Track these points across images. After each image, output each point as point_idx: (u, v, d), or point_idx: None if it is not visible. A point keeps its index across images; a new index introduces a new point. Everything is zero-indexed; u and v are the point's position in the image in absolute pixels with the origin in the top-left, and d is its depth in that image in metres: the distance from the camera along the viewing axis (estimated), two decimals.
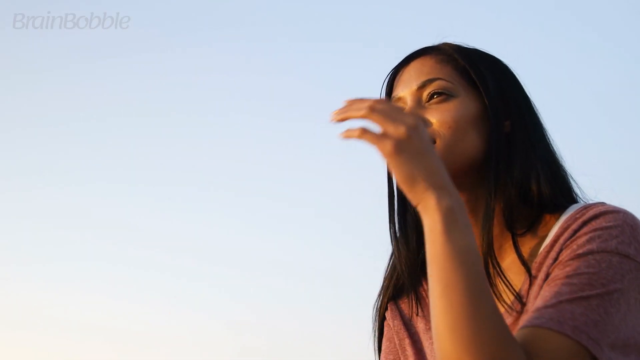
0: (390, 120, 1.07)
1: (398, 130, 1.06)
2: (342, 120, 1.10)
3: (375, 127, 1.08)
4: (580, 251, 1.17)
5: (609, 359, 1.10)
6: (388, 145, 1.06)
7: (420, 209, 1.07)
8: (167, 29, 4.65)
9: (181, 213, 4.89)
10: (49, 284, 4.83)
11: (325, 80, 4.74)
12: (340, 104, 1.12)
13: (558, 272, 1.17)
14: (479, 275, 1.06)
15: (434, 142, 1.28)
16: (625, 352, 1.13)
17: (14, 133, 4.74)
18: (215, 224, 4.90)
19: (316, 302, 4.61)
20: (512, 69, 1.39)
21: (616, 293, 1.13)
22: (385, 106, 1.08)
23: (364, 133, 1.07)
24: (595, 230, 1.18)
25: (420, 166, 1.06)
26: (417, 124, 1.07)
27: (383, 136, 1.06)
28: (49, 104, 4.68)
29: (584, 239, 1.18)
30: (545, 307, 1.11)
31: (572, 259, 1.17)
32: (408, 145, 1.06)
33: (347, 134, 1.09)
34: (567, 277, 1.15)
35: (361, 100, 1.10)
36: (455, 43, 1.40)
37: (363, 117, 1.08)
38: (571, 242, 1.19)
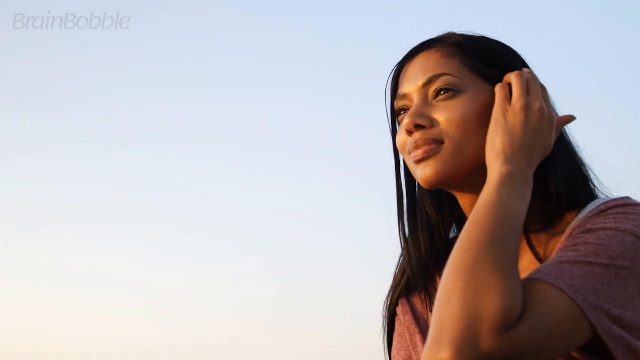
0: (521, 92, 1.23)
1: (516, 104, 1.22)
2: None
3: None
4: (591, 226, 1.13)
5: (609, 330, 1.04)
6: (500, 107, 1.22)
7: (488, 169, 1.18)
8: None
9: (193, 168, 5.02)
10: (87, 243, 4.95)
11: (335, 34, 4.81)
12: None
13: (565, 244, 1.13)
14: (510, 231, 1.08)
15: (442, 142, 1.25)
16: (632, 335, 1.07)
17: (55, 94, 4.81)
18: (229, 177, 5.02)
19: (330, 253, 4.72)
20: (522, 56, 1.34)
21: (624, 270, 1.07)
22: (530, 80, 1.25)
23: (502, 87, 1.25)
24: (609, 214, 1.15)
25: (506, 138, 1.18)
26: (538, 111, 1.21)
27: (507, 100, 1.23)
28: (86, 66, 4.77)
29: (597, 219, 1.14)
30: (545, 266, 1.08)
31: (582, 232, 1.13)
32: (512, 119, 1.20)
33: (506, 77, 1.28)
34: (573, 245, 1.11)
35: (527, 70, 1.28)
36: (461, 33, 1.35)
37: (514, 76, 1.26)
38: (583, 223, 1.16)
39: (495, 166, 1.17)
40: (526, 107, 1.21)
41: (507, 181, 1.14)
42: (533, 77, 1.26)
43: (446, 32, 1.36)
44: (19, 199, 4.94)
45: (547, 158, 1.25)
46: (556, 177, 1.25)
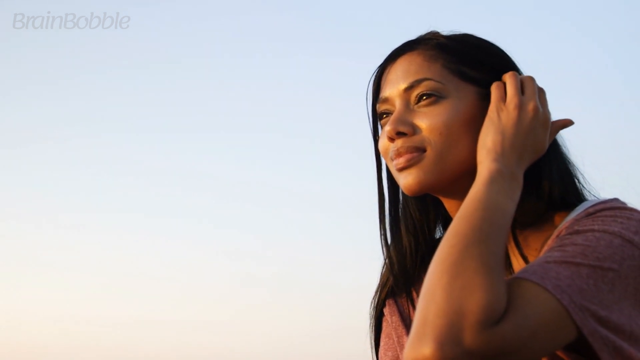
0: (515, 91, 1.23)
1: (510, 103, 1.22)
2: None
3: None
4: (579, 228, 1.13)
5: (594, 331, 1.03)
6: (495, 106, 1.22)
7: (478, 166, 1.18)
8: None
9: (190, 151, 5.12)
10: (99, 229, 5.11)
11: (335, 14, 4.86)
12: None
13: (552, 245, 1.13)
14: (497, 228, 1.08)
15: (424, 150, 1.24)
16: (618, 336, 1.06)
17: (68, 82, 4.87)
18: (226, 158, 5.11)
19: (329, 231, 4.77)
20: (509, 55, 1.32)
21: (611, 272, 1.06)
22: (527, 81, 1.25)
23: (497, 87, 1.24)
24: (598, 217, 1.14)
25: (497, 137, 1.19)
26: (532, 110, 1.21)
27: (502, 99, 1.23)
28: (100, 55, 4.81)
29: (585, 221, 1.14)
30: (531, 265, 1.07)
31: (570, 234, 1.13)
32: (506, 117, 1.20)
33: (503, 77, 1.27)
34: (561, 245, 1.10)
35: (525, 75, 1.28)
36: (444, 34, 1.32)
37: (508, 76, 1.26)
38: (572, 225, 1.15)
39: (485, 163, 1.17)
40: (520, 106, 1.21)
41: (496, 179, 1.14)
42: (530, 78, 1.25)
43: (430, 31, 1.34)
44: (31, 188, 5.05)
45: (543, 159, 1.25)
46: (551, 178, 1.25)
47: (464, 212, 1.10)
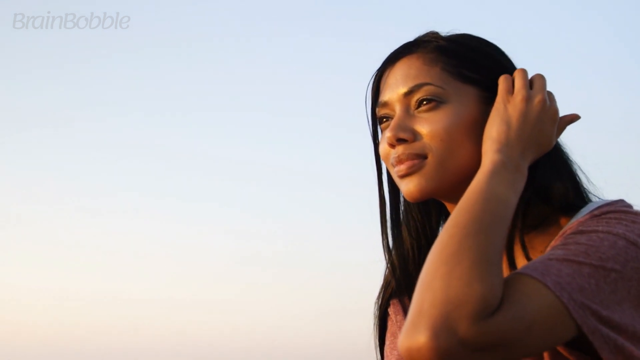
0: (523, 84, 1.23)
1: (517, 96, 1.22)
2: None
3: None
4: (583, 228, 1.13)
5: (594, 329, 1.03)
6: (502, 98, 1.23)
7: (482, 157, 1.19)
8: None
9: (192, 133, 5.26)
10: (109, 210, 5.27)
11: None
12: None
13: (556, 245, 1.13)
14: (498, 220, 1.08)
15: (426, 157, 1.23)
16: (620, 336, 1.06)
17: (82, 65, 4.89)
18: (228, 140, 5.24)
19: (334, 210, 4.90)
20: (509, 56, 1.32)
21: (614, 273, 1.06)
22: (537, 78, 1.26)
23: (505, 79, 1.24)
24: (602, 219, 1.15)
25: (503, 127, 1.19)
26: (539, 103, 1.22)
27: (509, 93, 1.23)
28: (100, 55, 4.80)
29: (590, 222, 1.15)
30: (533, 262, 1.08)
31: (574, 233, 1.13)
32: (512, 109, 1.21)
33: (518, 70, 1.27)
34: (564, 244, 1.10)
35: (536, 73, 1.28)
36: (442, 35, 1.31)
37: (517, 71, 1.26)
38: (576, 227, 1.15)
39: (489, 154, 1.17)
40: (527, 99, 1.21)
41: (498, 170, 1.14)
42: (540, 76, 1.25)
43: (428, 31, 1.32)
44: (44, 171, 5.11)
45: (547, 160, 1.25)
46: (556, 180, 1.25)
47: (464, 203, 1.10)
